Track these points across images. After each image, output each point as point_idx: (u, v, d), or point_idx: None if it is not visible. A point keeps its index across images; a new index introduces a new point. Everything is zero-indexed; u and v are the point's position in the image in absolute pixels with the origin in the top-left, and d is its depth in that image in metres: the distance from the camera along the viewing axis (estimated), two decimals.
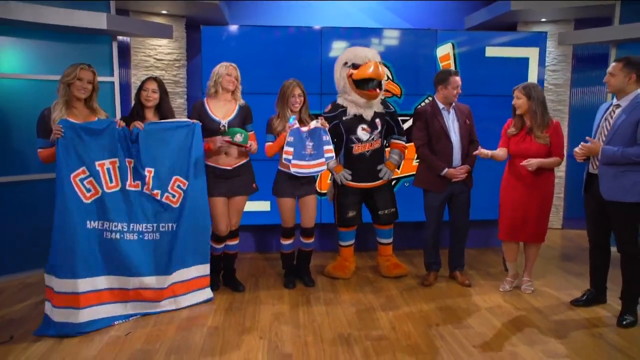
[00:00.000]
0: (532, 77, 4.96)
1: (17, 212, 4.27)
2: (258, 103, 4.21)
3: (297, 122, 3.81)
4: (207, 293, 3.82)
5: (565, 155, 5.90)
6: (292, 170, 3.81)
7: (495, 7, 5.62)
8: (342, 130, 4.12)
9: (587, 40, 5.21)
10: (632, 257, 3.39)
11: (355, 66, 3.99)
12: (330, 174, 4.33)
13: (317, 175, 4.82)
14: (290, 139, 3.78)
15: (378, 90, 4.02)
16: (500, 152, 3.91)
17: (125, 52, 5.34)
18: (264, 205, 4.78)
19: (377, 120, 4.13)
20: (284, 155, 3.80)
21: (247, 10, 6.05)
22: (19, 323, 3.45)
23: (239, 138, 3.68)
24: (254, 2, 6.07)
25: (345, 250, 4.41)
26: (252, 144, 3.80)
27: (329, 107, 4.21)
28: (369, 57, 3.98)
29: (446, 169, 3.98)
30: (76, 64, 3.35)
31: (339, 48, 4.77)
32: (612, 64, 3.40)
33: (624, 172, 3.27)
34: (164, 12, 5.38)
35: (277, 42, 4.74)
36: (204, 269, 3.79)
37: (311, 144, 3.84)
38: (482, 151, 3.86)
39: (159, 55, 5.52)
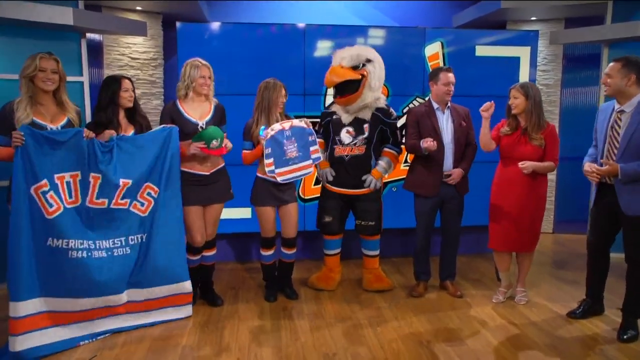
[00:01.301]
0: (524, 77, 4.78)
1: None
2: (237, 105, 3.98)
3: (268, 131, 3.55)
4: (187, 310, 3.56)
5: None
6: (279, 179, 3.59)
7: (485, 5, 5.43)
8: (330, 128, 3.93)
9: (579, 39, 5.04)
10: (637, 263, 3.20)
11: None
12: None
13: (300, 181, 4.60)
14: (267, 150, 3.54)
15: (349, 95, 3.75)
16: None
17: (97, 51, 5.05)
18: (244, 213, 4.52)
19: (366, 126, 3.86)
20: (267, 168, 3.57)
21: (229, 8, 5.80)
22: None
23: (215, 144, 3.42)
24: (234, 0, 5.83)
25: (330, 259, 4.16)
26: (228, 144, 3.55)
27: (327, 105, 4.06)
28: (338, 61, 3.77)
29: (430, 142, 3.65)
30: (34, 55, 3.01)
31: (323, 47, 4.54)
32: (610, 65, 3.18)
33: None
34: (138, 8, 5.10)
35: (259, 40, 4.48)
36: (185, 286, 3.51)
37: (294, 145, 3.60)
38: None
39: (134, 54, 5.23)
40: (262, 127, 3.59)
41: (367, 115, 3.86)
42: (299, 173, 3.66)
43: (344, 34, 4.58)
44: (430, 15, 6.10)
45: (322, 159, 3.81)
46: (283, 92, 3.67)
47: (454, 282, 4.12)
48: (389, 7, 6.08)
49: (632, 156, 3.07)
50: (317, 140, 3.79)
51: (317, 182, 4.60)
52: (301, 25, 4.55)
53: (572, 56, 5.75)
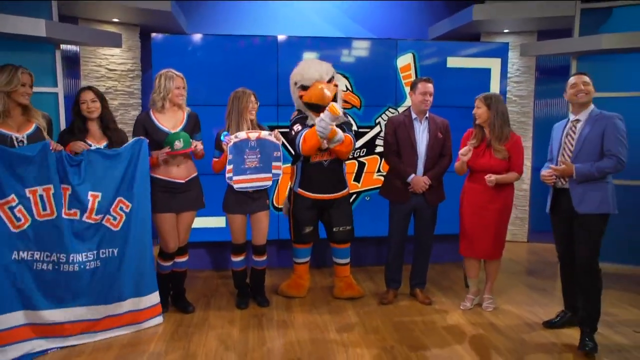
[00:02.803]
0: (494, 88, 4.88)
1: None
2: (212, 115, 4.04)
3: (232, 138, 3.61)
4: (157, 321, 3.59)
5: (531, 167, 5.91)
6: (235, 186, 3.65)
7: (458, 18, 5.55)
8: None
9: (549, 51, 5.15)
10: (595, 273, 3.27)
11: (304, 87, 3.81)
12: (288, 190, 4.15)
13: (275, 190, 4.65)
14: (230, 156, 3.60)
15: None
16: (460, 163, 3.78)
17: (74, 62, 5.11)
18: (218, 222, 4.56)
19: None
20: (226, 174, 3.62)
21: (207, 19, 5.89)
22: None
23: (178, 145, 3.46)
24: (213, 11, 5.92)
25: (299, 267, 4.20)
26: (197, 144, 3.60)
27: (295, 112, 4.02)
28: (316, 78, 3.78)
29: (412, 175, 3.84)
30: (10, 69, 3.07)
31: (296, 58, 4.61)
32: (583, 78, 3.32)
33: (595, 184, 3.22)
34: (115, 20, 5.17)
35: (232, 51, 4.55)
36: (155, 297, 3.56)
37: (257, 156, 3.66)
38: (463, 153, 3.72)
39: (111, 65, 5.29)
40: (225, 132, 3.65)
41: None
42: (256, 184, 3.70)
43: (317, 46, 4.67)
44: (406, 27, 6.22)
45: (282, 174, 3.83)
46: (252, 99, 3.73)
47: (423, 290, 4.17)
48: (366, 18, 6.20)
49: (584, 158, 3.24)
50: (305, 132, 3.78)
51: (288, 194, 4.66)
52: (274, 36, 4.63)
53: (545, 68, 5.87)
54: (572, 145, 3.31)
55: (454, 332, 3.53)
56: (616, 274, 4.83)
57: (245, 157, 3.64)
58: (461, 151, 3.71)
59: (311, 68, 3.85)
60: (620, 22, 4.88)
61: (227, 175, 3.62)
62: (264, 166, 3.69)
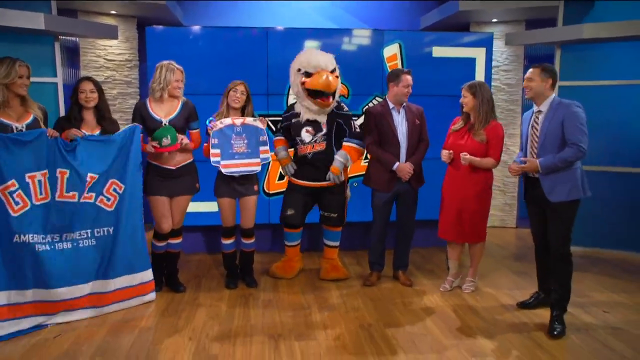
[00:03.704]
0: (480, 77, 5.00)
1: None
2: (204, 104, 4.20)
3: (217, 123, 3.80)
4: (150, 297, 3.81)
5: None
6: (223, 170, 3.83)
7: (446, 8, 5.67)
8: (290, 131, 4.15)
9: (533, 40, 5.27)
10: (566, 257, 3.42)
11: (307, 74, 3.93)
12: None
13: (265, 176, 4.84)
14: (214, 140, 3.79)
15: (331, 99, 3.97)
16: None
17: (74, 52, 5.30)
18: (213, 207, 4.73)
19: (323, 123, 4.09)
20: (212, 158, 3.81)
21: (202, 11, 6.05)
22: None
23: (165, 142, 3.65)
24: (208, 2, 6.06)
25: (290, 250, 4.41)
26: (183, 139, 3.77)
27: (286, 109, 4.24)
28: (322, 66, 3.91)
29: (397, 164, 4.01)
30: (8, 61, 3.24)
31: (285, 49, 4.76)
32: (530, 70, 3.45)
33: (563, 173, 3.34)
34: (113, 12, 5.35)
35: (224, 43, 4.72)
36: (148, 275, 3.78)
37: (244, 142, 3.84)
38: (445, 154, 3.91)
39: (110, 55, 5.49)
40: (210, 118, 3.85)
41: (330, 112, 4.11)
42: (244, 169, 3.88)
43: (305, 36, 4.83)
44: (398, 17, 6.34)
45: (270, 159, 4.01)
46: (240, 87, 3.89)
47: (406, 272, 4.35)
48: (357, 9, 6.32)
49: (549, 149, 3.36)
50: (279, 137, 4.06)
51: (281, 177, 4.84)
52: (263, 28, 4.79)
53: (533, 56, 5.97)
54: (537, 137, 3.43)
55: (430, 312, 3.70)
56: (591, 257, 5.01)
57: (232, 142, 3.82)
58: (443, 159, 3.93)
59: (316, 56, 3.98)
60: (603, 12, 4.97)
61: (213, 159, 3.81)
62: (252, 151, 3.87)
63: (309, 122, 4.08)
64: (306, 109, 4.06)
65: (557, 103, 3.38)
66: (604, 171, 5.05)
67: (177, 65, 3.79)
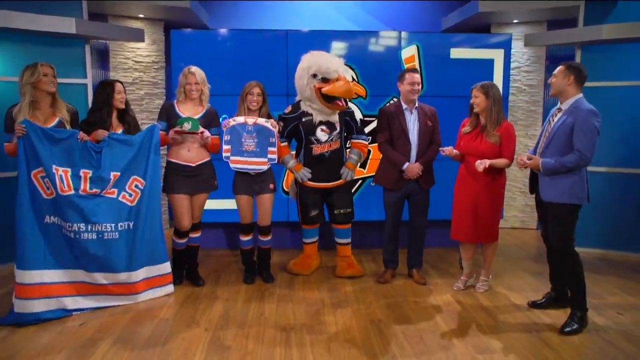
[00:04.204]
0: (497, 78, 5.01)
1: None
2: (226, 104, 4.36)
3: (230, 121, 3.95)
4: (168, 289, 3.98)
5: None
6: (232, 166, 4.01)
7: (466, 9, 5.69)
8: (301, 131, 4.22)
9: (552, 41, 5.24)
10: (568, 257, 3.41)
11: (325, 80, 4.02)
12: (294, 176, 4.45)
13: (284, 174, 4.96)
14: (226, 137, 3.96)
15: (345, 102, 4.11)
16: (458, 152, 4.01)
17: (104, 55, 5.53)
18: (232, 204, 4.87)
19: (336, 122, 4.21)
20: (223, 153, 3.98)
21: (227, 13, 6.22)
22: None
23: (186, 126, 3.83)
24: (233, 4, 6.23)
25: (308, 247, 4.53)
26: (205, 132, 3.92)
27: (289, 108, 4.27)
28: (339, 72, 4.02)
29: (407, 164, 4.08)
30: (31, 65, 3.47)
31: (304, 51, 4.87)
32: (557, 68, 3.47)
33: (561, 175, 3.36)
34: (141, 15, 5.56)
35: (245, 45, 4.88)
36: (166, 267, 3.96)
37: (254, 140, 3.98)
38: (445, 149, 3.97)
39: (138, 57, 5.70)
40: (224, 116, 4.02)
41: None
42: (252, 167, 4.03)
43: (325, 38, 4.94)
44: (419, 18, 6.38)
45: (276, 161, 4.10)
46: (255, 90, 4.04)
47: (420, 270, 4.41)
48: (379, 10, 6.39)
49: (553, 149, 3.38)
50: (284, 144, 4.19)
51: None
52: (283, 30, 4.93)
53: (555, 57, 5.93)
54: (547, 134, 3.46)
55: (441, 309, 3.77)
56: (606, 259, 5.00)
57: (242, 140, 3.97)
58: (446, 153, 3.98)
59: (331, 61, 4.06)
60: (626, 12, 4.92)
61: (224, 154, 3.99)
62: (261, 151, 4.01)
63: (323, 122, 4.18)
64: (318, 112, 4.14)
65: (576, 106, 3.35)
66: (623, 173, 4.99)
67: (192, 70, 3.96)
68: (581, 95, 3.40)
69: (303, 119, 4.19)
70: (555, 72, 3.47)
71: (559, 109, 3.46)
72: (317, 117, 4.15)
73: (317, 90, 4.04)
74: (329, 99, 4.05)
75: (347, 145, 4.44)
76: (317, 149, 4.22)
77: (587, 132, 3.26)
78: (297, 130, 4.23)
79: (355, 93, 4.92)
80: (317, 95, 4.05)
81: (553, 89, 3.48)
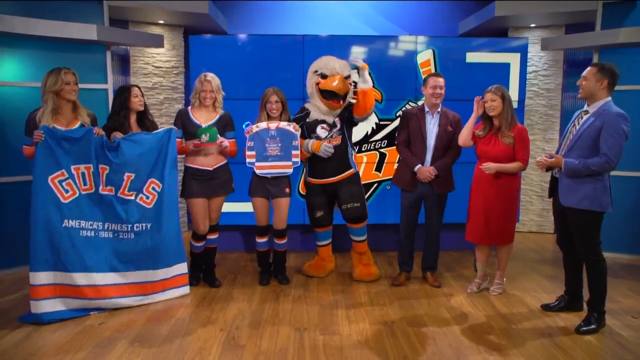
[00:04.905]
0: (514, 82, 5.02)
1: (14, 210, 4.56)
2: (242, 108, 4.44)
3: (252, 127, 4.02)
4: (185, 290, 4.06)
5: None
6: (257, 172, 4.09)
7: (483, 13, 5.69)
8: (305, 130, 4.31)
9: (569, 45, 5.22)
10: (592, 261, 3.41)
11: (323, 76, 4.14)
12: (305, 175, 4.50)
13: (300, 179, 5.01)
14: (250, 143, 4.03)
15: (341, 102, 4.16)
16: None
17: (125, 60, 5.65)
18: (249, 207, 4.93)
19: (337, 119, 4.26)
20: (247, 160, 4.06)
21: (245, 18, 6.31)
22: (4, 312, 3.74)
23: (204, 138, 3.90)
24: (250, 10, 6.32)
25: (322, 249, 4.57)
26: (223, 141, 4.00)
27: (298, 110, 4.39)
28: (337, 70, 4.13)
29: (419, 166, 4.12)
30: (55, 71, 3.57)
31: (320, 54, 4.91)
32: (587, 69, 3.36)
33: (582, 180, 3.31)
34: (161, 22, 5.67)
35: (262, 50, 4.95)
36: (182, 267, 4.03)
37: (277, 145, 4.06)
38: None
39: (157, 62, 5.81)
40: (247, 122, 4.08)
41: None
42: (277, 171, 4.11)
43: (340, 43, 4.98)
44: (436, 22, 6.39)
45: (299, 162, 4.19)
46: (273, 97, 4.12)
47: (434, 273, 4.42)
48: (396, 14, 6.42)
49: (578, 152, 3.32)
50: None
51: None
52: (301, 35, 4.99)
53: (573, 61, 5.90)
54: (572, 136, 3.40)
55: (454, 311, 3.78)
56: (621, 263, 4.97)
57: (267, 145, 4.05)
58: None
59: (333, 62, 4.19)
60: None
61: (249, 160, 4.08)
62: (285, 154, 4.08)
63: (323, 120, 4.24)
64: (316, 109, 4.23)
65: (605, 109, 3.27)
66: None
67: (207, 77, 4.03)
68: (610, 98, 3.32)
69: (307, 118, 4.28)
70: (585, 73, 3.36)
71: (586, 112, 3.39)
72: (313, 115, 4.24)
73: (316, 85, 4.17)
74: (327, 96, 4.14)
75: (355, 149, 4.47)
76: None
77: (617, 136, 3.19)
78: (302, 130, 4.31)
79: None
80: (315, 89, 4.18)
81: (583, 91, 3.38)
